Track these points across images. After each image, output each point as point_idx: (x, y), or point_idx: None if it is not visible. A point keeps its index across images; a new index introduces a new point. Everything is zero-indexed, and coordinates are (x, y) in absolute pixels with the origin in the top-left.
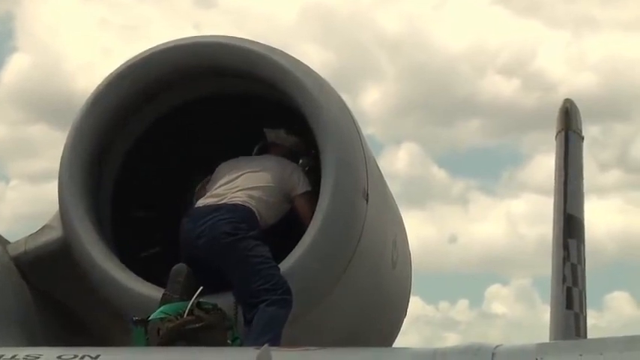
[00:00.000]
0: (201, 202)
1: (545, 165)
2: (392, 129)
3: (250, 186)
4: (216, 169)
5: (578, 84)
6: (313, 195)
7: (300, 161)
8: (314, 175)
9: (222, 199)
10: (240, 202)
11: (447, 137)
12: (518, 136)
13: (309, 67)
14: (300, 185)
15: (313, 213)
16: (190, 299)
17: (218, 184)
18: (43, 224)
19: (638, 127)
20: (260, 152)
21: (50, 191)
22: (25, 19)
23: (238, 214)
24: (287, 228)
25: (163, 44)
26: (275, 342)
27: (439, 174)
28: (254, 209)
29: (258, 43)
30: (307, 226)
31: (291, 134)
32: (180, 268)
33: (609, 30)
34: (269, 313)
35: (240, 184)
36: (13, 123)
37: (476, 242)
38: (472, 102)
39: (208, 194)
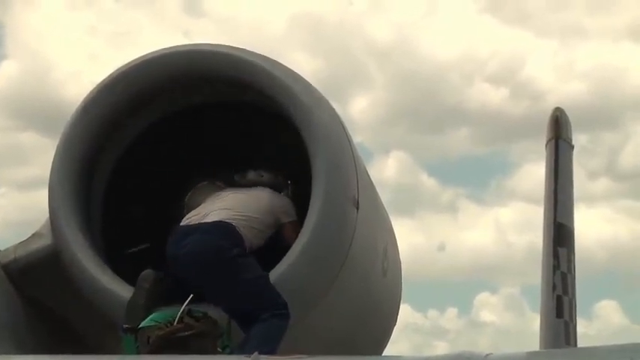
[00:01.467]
0: (184, 221)
1: (533, 173)
2: (381, 137)
3: (238, 209)
4: (197, 190)
5: (566, 93)
6: (298, 224)
7: (282, 193)
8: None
9: (204, 218)
10: (223, 220)
11: (436, 145)
12: (506, 145)
13: (299, 75)
14: (291, 215)
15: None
16: (156, 306)
17: (203, 203)
18: (32, 232)
19: (627, 135)
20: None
21: (39, 199)
22: (14, 27)
23: (221, 230)
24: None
25: (154, 52)
26: (273, 353)
27: (428, 182)
28: (237, 227)
29: (248, 51)
30: (284, 244)
31: (262, 173)
32: (146, 274)
33: (597, 39)
34: (267, 325)
35: (226, 205)
36: (1, 130)
37: (464, 250)
38: (461, 110)
39: (192, 212)
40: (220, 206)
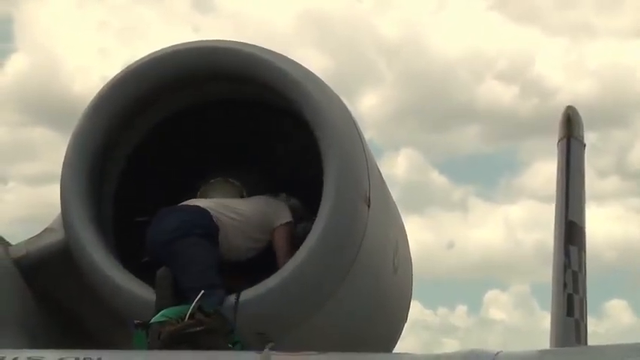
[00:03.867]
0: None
1: (543, 171)
2: (390, 134)
3: (225, 207)
4: None
5: (576, 91)
6: (291, 227)
7: (302, 225)
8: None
9: (192, 202)
10: (202, 207)
11: (445, 143)
12: (516, 143)
13: (310, 71)
14: (280, 216)
15: (290, 251)
16: (183, 302)
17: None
18: (42, 227)
19: (636, 133)
20: None
21: (47, 193)
22: (24, 21)
23: (190, 215)
24: None
25: (165, 49)
26: None
27: (439, 180)
28: (215, 217)
29: (259, 47)
30: (280, 259)
31: (290, 198)
32: (164, 272)
33: (607, 37)
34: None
35: (216, 200)
36: (10, 125)
37: (474, 248)
38: (470, 108)
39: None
40: (206, 202)
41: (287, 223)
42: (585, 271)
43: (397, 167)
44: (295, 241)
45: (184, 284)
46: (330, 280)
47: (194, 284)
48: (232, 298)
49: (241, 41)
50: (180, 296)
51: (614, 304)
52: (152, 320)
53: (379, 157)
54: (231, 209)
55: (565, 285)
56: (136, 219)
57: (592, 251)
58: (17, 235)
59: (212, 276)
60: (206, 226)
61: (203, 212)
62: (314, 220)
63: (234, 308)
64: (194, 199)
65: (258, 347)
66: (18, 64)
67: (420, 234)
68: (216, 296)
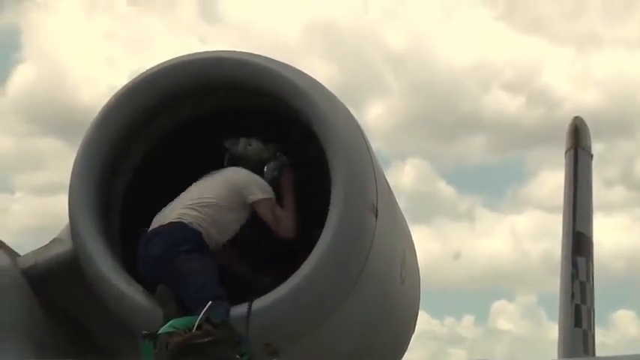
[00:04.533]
0: (151, 225)
1: (549, 181)
2: (396, 144)
3: (196, 201)
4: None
5: (582, 101)
6: (274, 201)
7: (266, 169)
8: (290, 172)
9: (162, 221)
10: (176, 220)
11: (452, 153)
12: (522, 153)
13: (318, 82)
14: (255, 193)
15: (278, 219)
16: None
17: (170, 204)
18: (49, 237)
19: None
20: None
21: (55, 204)
22: (31, 32)
23: (170, 234)
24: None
25: (173, 59)
26: None
27: (446, 190)
28: (191, 223)
29: (267, 57)
30: (275, 232)
31: (253, 142)
32: (162, 289)
33: (613, 47)
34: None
35: (186, 201)
36: (18, 135)
37: (481, 258)
38: (477, 118)
39: (159, 216)
40: (181, 203)
41: (266, 199)
42: (593, 281)
43: (404, 177)
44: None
45: (188, 302)
46: (337, 291)
47: (199, 299)
48: (244, 308)
49: (248, 52)
50: (185, 309)
51: (621, 314)
52: (160, 331)
53: (386, 167)
54: (199, 203)
55: (573, 295)
56: (142, 229)
57: (599, 261)
58: (25, 245)
59: (214, 287)
60: (189, 238)
61: (180, 226)
62: (278, 156)
63: (247, 318)
64: (165, 208)
65: (266, 358)
66: (25, 74)
67: (428, 244)
68: (222, 307)
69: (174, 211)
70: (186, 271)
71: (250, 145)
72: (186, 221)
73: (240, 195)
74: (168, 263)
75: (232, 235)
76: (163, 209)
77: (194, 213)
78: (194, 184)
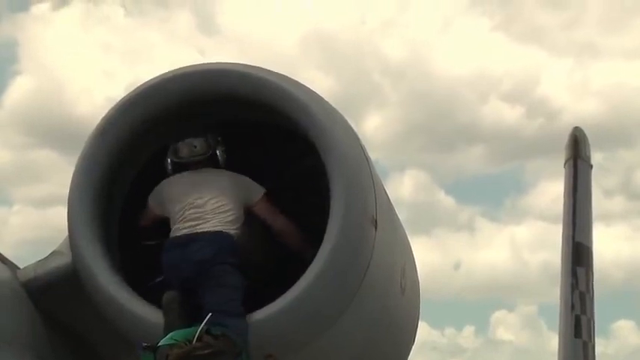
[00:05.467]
0: (177, 232)
1: (548, 191)
2: (395, 154)
3: (220, 211)
4: (162, 187)
5: (581, 111)
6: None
7: (219, 157)
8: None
9: (203, 227)
10: (217, 230)
11: (451, 163)
12: (521, 163)
13: (316, 93)
14: (257, 190)
15: (276, 212)
16: (193, 324)
17: (186, 210)
18: (47, 249)
19: None
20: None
21: (53, 216)
22: (28, 44)
23: (217, 242)
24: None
25: (171, 71)
26: None
27: (446, 200)
28: (233, 235)
29: (265, 69)
30: (275, 229)
31: (195, 143)
32: (171, 296)
33: (611, 57)
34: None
35: (209, 209)
36: (15, 147)
37: (481, 268)
38: (475, 128)
39: (180, 220)
40: (210, 211)
41: (263, 196)
42: (593, 291)
43: (403, 188)
44: None
45: (211, 305)
46: (337, 302)
47: (224, 311)
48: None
49: (247, 63)
50: (189, 318)
51: (621, 324)
52: (160, 343)
53: (385, 178)
54: (224, 211)
55: (573, 306)
56: (143, 242)
57: (599, 272)
58: (24, 257)
59: (239, 305)
60: (235, 252)
61: (224, 235)
62: (219, 141)
63: (245, 330)
64: (182, 213)
65: None
66: (23, 86)
67: (427, 255)
68: (243, 324)
69: (206, 219)
70: (226, 282)
71: (195, 146)
72: (228, 232)
73: (245, 197)
74: (212, 268)
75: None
76: (179, 217)
77: (227, 224)
78: (185, 190)
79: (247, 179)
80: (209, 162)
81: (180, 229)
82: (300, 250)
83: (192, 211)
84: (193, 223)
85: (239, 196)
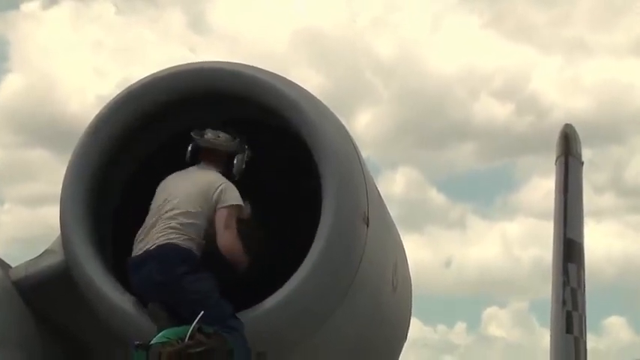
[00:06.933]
0: (135, 249)
1: (539, 188)
2: (386, 152)
3: (173, 216)
4: (157, 189)
5: (571, 108)
6: (235, 209)
7: (236, 160)
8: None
9: (150, 243)
10: (164, 243)
11: (442, 160)
12: (512, 160)
13: (307, 91)
14: (228, 199)
15: (229, 228)
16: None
17: (148, 221)
18: (39, 248)
19: (632, 149)
20: (193, 157)
21: (45, 214)
22: (19, 43)
23: (164, 258)
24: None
25: (162, 71)
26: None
27: (437, 198)
28: (183, 243)
29: (256, 67)
30: (219, 242)
31: (220, 134)
32: (155, 306)
33: (602, 55)
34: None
35: (169, 214)
36: (6, 146)
37: (472, 265)
38: (466, 125)
39: (140, 236)
40: (165, 220)
41: (229, 206)
42: (584, 288)
43: (395, 185)
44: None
45: (206, 321)
46: (329, 300)
47: (216, 317)
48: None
49: (238, 62)
50: (179, 318)
51: (613, 320)
52: (153, 341)
53: (377, 176)
54: (176, 216)
55: (564, 302)
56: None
57: (590, 268)
58: (15, 256)
59: (225, 303)
60: (184, 259)
61: (170, 247)
62: (246, 149)
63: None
64: (143, 229)
65: None
66: (13, 84)
67: (419, 252)
68: (238, 321)
69: (156, 232)
70: (195, 293)
71: (219, 136)
72: (173, 241)
73: (216, 199)
74: (172, 289)
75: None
76: (141, 230)
77: (176, 231)
78: (164, 188)
79: (227, 187)
80: (219, 159)
81: (135, 250)
82: (233, 270)
83: (150, 221)
84: (144, 243)
85: (206, 199)
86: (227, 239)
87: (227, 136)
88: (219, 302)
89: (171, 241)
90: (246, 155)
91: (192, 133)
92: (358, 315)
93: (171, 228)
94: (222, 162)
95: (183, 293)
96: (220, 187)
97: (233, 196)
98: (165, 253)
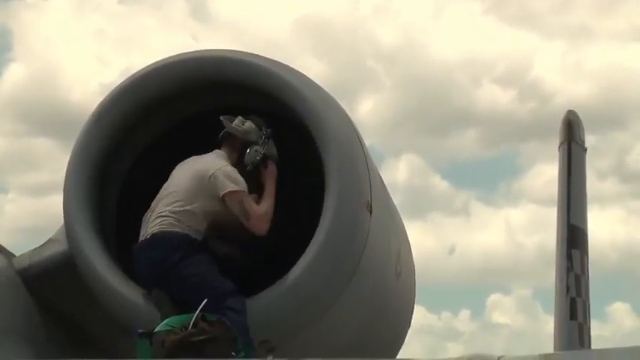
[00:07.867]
0: (140, 236)
1: (543, 174)
2: (389, 139)
3: (169, 205)
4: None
5: (574, 94)
6: (244, 194)
7: (248, 150)
8: (273, 166)
9: (150, 230)
10: (157, 230)
11: (445, 147)
12: (515, 146)
13: (309, 79)
14: (221, 186)
15: (247, 213)
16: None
17: (152, 209)
18: (43, 237)
19: (635, 135)
20: (220, 141)
21: (49, 203)
22: (21, 32)
23: (158, 246)
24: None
25: (165, 59)
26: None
27: (440, 184)
28: (175, 230)
29: (259, 55)
30: (247, 227)
31: (247, 122)
32: (159, 293)
33: (605, 40)
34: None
35: (164, 201)
36: (9, 135)
37: (476, 252)
38: (469, 112)
39: (143, 222)
40: (161, 207)
41: (231, 192)
42: (588, 274)
43: (398, 173)
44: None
45: (206, 304)
46: (333, 287)
47: (215, 298)
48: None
49: (240, 50)
50: (182, 309)
51: (617, 307)
52: (156, 329)
53: (380, 163)
54: (172, 205)
55: (568, 289)
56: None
57: (594, 254)
58: (19, 245)
59: (224, 283)
60: (179, 245)
61: (163, 235)
62: (264, 139)
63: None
64: (151, 214)
65: (262, 355)
66: (16, 74)
67: (423, 239)
68: (239, 300)
69: (153, 220)
70: (191, 278)
71: (244, 124)
72: (166, 229)
73: (209, 190)
74: (170, 275)
75: (215, 219)
76: (145, 216)
77: (169, 219)
78: (172, 174)
79: (224, 171)
80: (234, 146)
81: (140, 236)
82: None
83: (151, 207)
84: (145, 230)
85: (201, 186)
86: (252, 225)
87: (252, 125)
88: (218, 281)
89: (163, 229)
90: (264, 148)
91: (221, 117)
92: (362, 302)
93: (164, 216)
94: (237, 149)
95: (179, 278)
96: (213, 175)
97: (226, 183)
98: (157, 240)
